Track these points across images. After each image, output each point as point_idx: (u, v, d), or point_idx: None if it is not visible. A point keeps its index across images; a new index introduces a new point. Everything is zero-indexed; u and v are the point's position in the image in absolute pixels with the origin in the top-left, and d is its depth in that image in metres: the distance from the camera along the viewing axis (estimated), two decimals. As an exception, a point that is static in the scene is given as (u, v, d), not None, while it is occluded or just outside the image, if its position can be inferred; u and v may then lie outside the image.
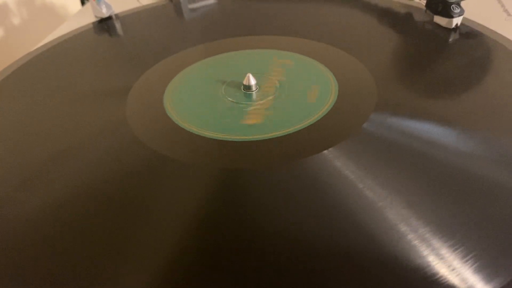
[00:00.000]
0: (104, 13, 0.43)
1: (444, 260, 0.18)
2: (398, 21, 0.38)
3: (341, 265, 0.18)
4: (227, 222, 0.20)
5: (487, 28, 0.35)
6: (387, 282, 0.17)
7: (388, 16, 0.39)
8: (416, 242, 0.18)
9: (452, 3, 0.34)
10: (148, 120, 0.28)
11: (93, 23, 0.43)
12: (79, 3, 0.69)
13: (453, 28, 0.35)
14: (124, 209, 0.21)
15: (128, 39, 0.39)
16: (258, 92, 0.29)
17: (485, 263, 0.18)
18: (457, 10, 0.35)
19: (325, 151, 0.23)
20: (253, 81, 0.29)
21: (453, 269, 0.17)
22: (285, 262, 0.18)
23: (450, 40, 0.34)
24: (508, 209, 0.20)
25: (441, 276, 0.17)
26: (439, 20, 0.36)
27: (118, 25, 0.42)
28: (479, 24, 0.35)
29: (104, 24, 0.42)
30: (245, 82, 0.29)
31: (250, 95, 0.29)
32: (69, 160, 0.25)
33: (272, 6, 0.43)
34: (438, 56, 0.32)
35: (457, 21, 0.35)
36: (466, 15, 0.35)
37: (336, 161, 0.23)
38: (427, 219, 0.19)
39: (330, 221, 0.20)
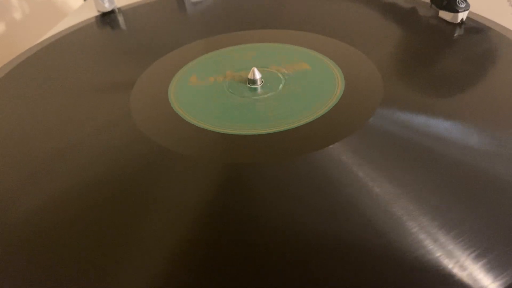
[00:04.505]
0: (107, 7, 0.42)
1: (451, 256, 0.18)
2: (403, 16, 0.38)
3: (347, 260, 0.18)
4: (231, 217, 0.20)
5: (493, 22, 0.34)
6: (393, 277, 0.17)
7: (394, 11, 0.39)
8: (422, 238, 0.18)
9: (458, -3, 0.34)
10: (153, 114, 0.27)
11: (96, 17, 0.43)
12: (81, -2, 0.68)
13: (459, 23, 0.35)
14: (129, 204, 0.21)
15: (131, 33, 0.39)
16: (263, 86, 0.29)
17: (494, 259, 0.17)
18: (462, 5, 0.34)
19: (331, 146, 0.23)
20: (258, 75, 0.29)
21: (460, 265, 0.17)
22: (290, 256, 0.18)
23: (456, 35, 0.34)
24: (516, 204, 0.20)
25: (449, 272, 0.17)
26: (444, 15, 0.36)
27: (120, 19, 0.42)
28: (485, 18, 0.35)
29: (107, 18, 0.42)
30: (250, 76, 0.29)
31: (255, 89, 0.29)
32: (73, 155, 0.25)
33: (276, 0, 0.43)
34: (443, 51, 0.32)
35: (462, 15, 0.35)
36: (471, 9, 0.35)
37: (342, 156, 0.23)
38: (433, 215, 0.19)
39: (335, 216, 0.20)
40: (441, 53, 0.32)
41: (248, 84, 0.29)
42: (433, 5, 0.37)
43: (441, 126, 0.25)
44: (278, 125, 0.25)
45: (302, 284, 0.17)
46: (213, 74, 0.31)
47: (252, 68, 0.29)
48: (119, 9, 0.44)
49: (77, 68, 0.34)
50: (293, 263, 0.18)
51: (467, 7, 0.34)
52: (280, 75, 0.30)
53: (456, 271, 0.17)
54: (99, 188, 0.22)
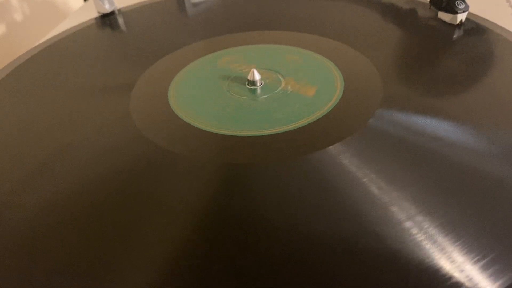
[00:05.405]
0: (107, 8, 0.42)
1: (450, 258, 0.18)
2: (403, 17, 0.38)
3: (346, 261, 0.18)
4: (231, 217, 0.20)
5: (492, 23, 0.34)
6: (392, 279, 0.17)
7: (393, 12, 0.39)
8: (421, 239, 0.18)
9: (457, -2, 0.34)
10: (153, 115, 0.27)
11: (96, 18, 0.43)
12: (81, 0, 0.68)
13: (458, 24, 0.35)
14: (129, 204, 0.21)
15: (131, 35, 0.39)
16: (263, 87, 0.29)
17: (492, 261, 0.17)
18: (461, 6, 0.34)
19: (331, 147, 0.23)
20: (257, 76, 0.29)
21: (458, 267, 0.17)
22: (290, 257, 0.18)
23: (455, 36, 0.34)
24: (515, 206, 0.20)
25: (447, 274, 0.17)
26: (444, 16, 0.36)
27: (121, 21, 0.42)
28: (484, 19, 0.35)
29: (107, 19, 0.42)
30: (249, 77, 0.29)
31: (255, 90, 0.29)
32: (73, 156, 0.25)
33: (277, 1, 0.43)
34: (443, 52, 0.32)
35: (461, 17, 0.35)
36: (471, 10, 0.35)
37: (342, 156, 0.23)
38: (433, 216, 0.19)
39: (335, 217, 0.20)
40: (440, 54, 0.32)
41: (248, 85, 0.30)
42: (432, 6, 0.37)
43: (441, 127, 0.25)
44: (277, 126, 0.25)
45: (301, 284, 0.17)
46: (213, 75, 0.31)
47: (252, 69, 0.29)
48: (119, 10, 0.44)
49: (77, 69, 0.34)
50: (292, 263, 0.18)
51: (466, 8, 0.34)
52: (280, 77, 0.30)
53: (455, 272, 0.17)
54: (100, 188, 0.22)
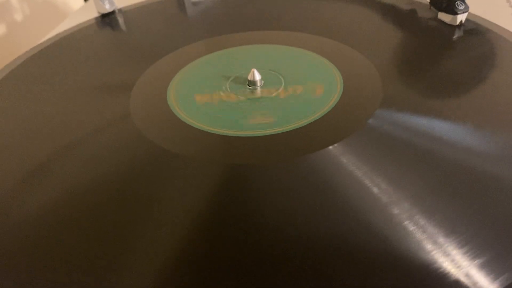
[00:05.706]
0: (107, 8, 0.42)
1: (449, 257, 0.18)
2: (403, 17, 0.38)
3: (346, 261, 0.18)
4: (231, 218, 0.20)
5: (493, 24, 0.35)
6: (392, 278, 0.17)
7: (393, 12, 0.39)
8: (421, 239, 0.18)
9: (457, -1, 0.34)
10: (152, 115, 0.27)
11: (96, 18, 0.43)
12: (81, 0, 0.68)
13: (458, 24, 0.35)
14: (128, 204, 0.21)
15: (132, 35, 0.39)
16: (263, 87, 0.29)
17: (491, 260, 0.18)
18: (461, 7, 0.34)
19: (330, 147, 0.23)
20: (258, 77, 0.29)
21: (458, 266, 0.17)
22: (290, 258, 0.18)
23: (455, 36, 0.34)
24: (514, 206, 0.20)
25: (447, 273, 0.17)
26: (444, 16, 0.36)
27: (121, 20, 0.42)
28: (484, 20, 0.35)
29: (107, 19, 0.42)
30: (249, 78, 0.29)
31: (255, 90, 0.29)
32: (72, 156, 0.25)
33: (277, 1, 0.43)
34: (443, 53, 0.32)
35: (461, 17, 0.35)
36: (471, 10, 0.35)
37: (341, 156, 0.23)
38: (432, 216, 0.19)
39: (335, 217, 0.20)
40: (440, 55, 0.32)
41: (248, 85, 0.30)
42: (432, 7, 0.37)
43: (440, 127, 0.25)
44: (277, 126, 0.25)
45: (301, 284, 0.17)
46: (213, 75, 0.31)
47: (252, 70, 0.29)
48: (119, 10, 0.44)
49: (77, 69, 0.34)
50: (292, 264, 0.18)
51: (466, 9, 0.34)
52: (280, 77, 0.30)
53: (455, 271, 0.17)
54: (99, 188, 0.22)
